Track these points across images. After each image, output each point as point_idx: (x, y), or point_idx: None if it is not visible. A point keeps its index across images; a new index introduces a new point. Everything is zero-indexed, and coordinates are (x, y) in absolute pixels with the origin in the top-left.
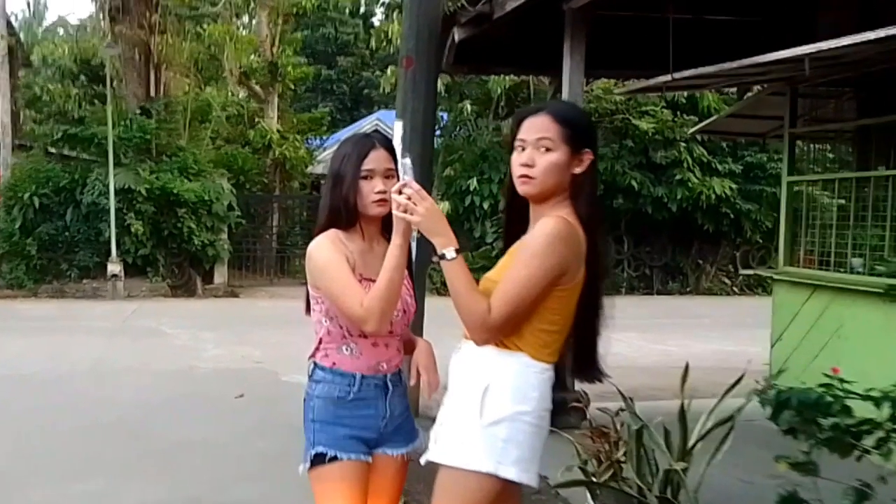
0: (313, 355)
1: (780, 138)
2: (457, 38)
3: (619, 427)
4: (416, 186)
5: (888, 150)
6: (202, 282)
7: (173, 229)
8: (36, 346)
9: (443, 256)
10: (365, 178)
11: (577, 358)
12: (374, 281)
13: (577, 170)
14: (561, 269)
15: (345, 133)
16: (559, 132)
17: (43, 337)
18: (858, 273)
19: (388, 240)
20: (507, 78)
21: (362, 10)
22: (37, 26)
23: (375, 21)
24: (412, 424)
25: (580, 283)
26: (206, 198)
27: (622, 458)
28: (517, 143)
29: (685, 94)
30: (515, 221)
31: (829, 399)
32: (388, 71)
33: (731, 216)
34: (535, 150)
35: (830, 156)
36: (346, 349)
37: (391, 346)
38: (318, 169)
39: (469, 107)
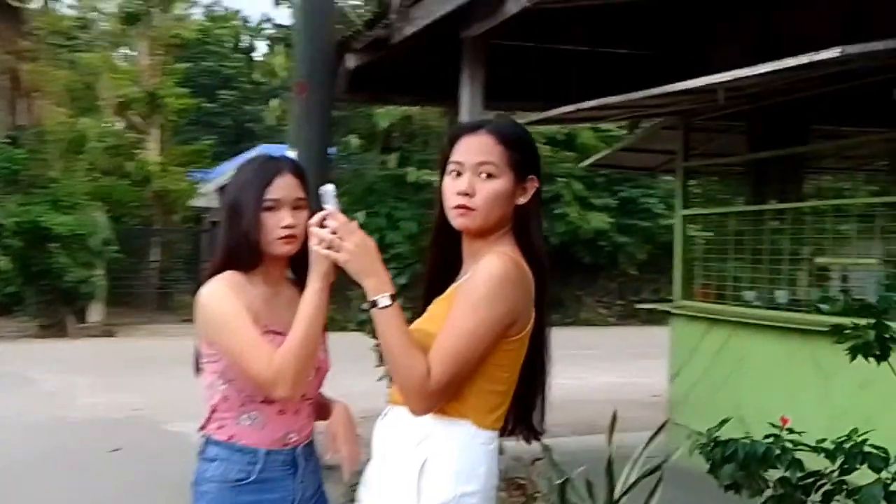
0: (204, 427)
1: (671, 172)
2: (351, 64)
3: (535, 479)
4: (343, 218)
5: (781, 184)
6: (76, 321)
7: (44, 265)
8: None
9: (374, 304)
10: (269, 209)
11: (515, 415)
12: (281, 334)
13: (522, 200)
14: (511, 318)
15: (229, 167)
16: (504, 156)
17: None
18: (756, 307)
19: (296, 284)
20: (393, 111)
21: (244, 44)
22: None
23: (258, 55)
24: None
25: (530, 332)
26: (81, 232)
27: None
28: (452, 166)
29: (564, 130)
30: (442, 260)
31: (777, 451)
32: (274, 103)
33: (608, 249)
34: (475, 177)
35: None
36: (247, 419)
37: (301, 412)
38: (201, 202)
39: (355, 140)
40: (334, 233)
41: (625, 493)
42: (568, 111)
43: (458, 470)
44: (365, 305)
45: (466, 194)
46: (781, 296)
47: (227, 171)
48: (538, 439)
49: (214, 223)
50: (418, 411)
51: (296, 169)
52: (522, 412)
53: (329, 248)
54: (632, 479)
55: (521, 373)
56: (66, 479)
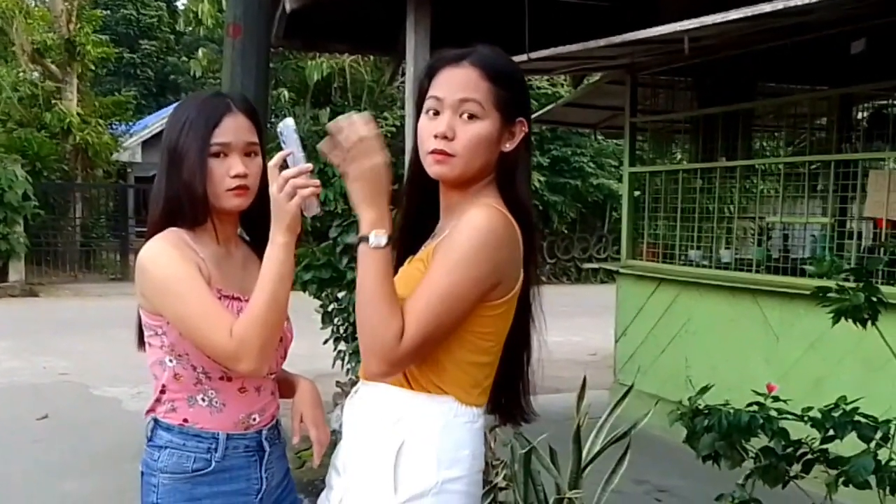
0: (152, 409)
1: (613, 129)
2: (288, 7)
3: (493, 446)
4: (306, 164)
5: (728, 141)
6: None
7: None
8: None
9: (366, 239)
10: (216, 155)
11: (501, 392)
12: (237, 299)
13: (508, 146)
14: (496, 278)
15: (153, 119)
16: (490, 93)
17: None
18: (704, 266)
19: (248, 241)
20: (324, 63)
21: None
22: None
23: (180, 4)
24: (295, 496)
25: (516, 294)
26: None
27: (502, 484)
28: (429, 103)
29: None
30: (415, 214)
31: (761, 420)
32: (200, 53)
33: (540, 208)
34: (456, 117)
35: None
36: (203, 399)
37: (264, 390)
38: (125, 156)
39: (286, 94)
40: (297, 176)
41: (591, 461)
42: (521, 61)
43: (440, 453)
44: (354, 239)
45: (445, 137)
46: (727, 255)
47: (150, 124)
48: (526, 420)
49: (140, 179)
50: (378, 374)
51: (248, 108)
52: (507, 388)
53: (293, 195)
54: (597, 447)
55: (506, 342)
56: None
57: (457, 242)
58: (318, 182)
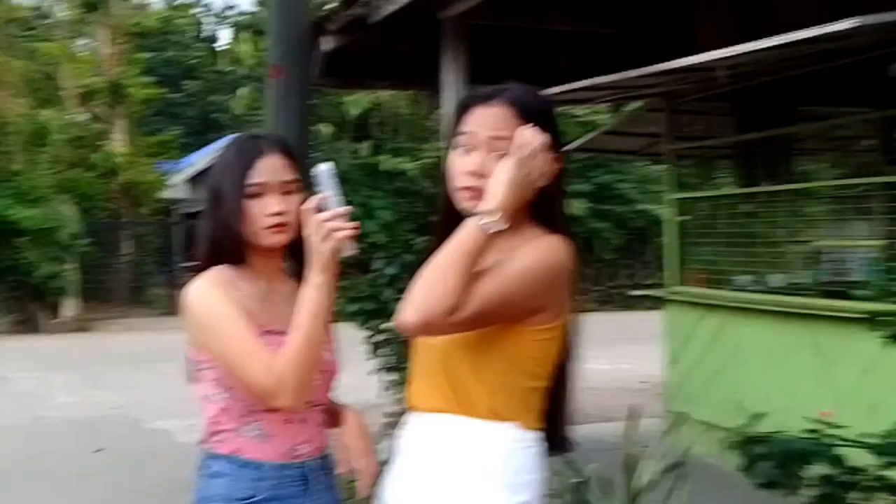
0: (203, 440)
1: (653, 155)
2: (327, 47)
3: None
4: (343, 208)
5: (771, 166)
6: (49, 316)
7: (12, 261)
8: None
9: (481, 215)
10: (253, 195)
11: (544, 421)
12: (281, 334)
13: (542, 182)
14: (543, 301)
15: (197, 157)
16: None
17: None
18: (752, 291)
19: (298, 276)
20: (363, 98)
21: (206, 33)
22: None
23: (221, 44)
24: None
25: (561, 326)
26: (48, 225)
27: None
28: (460, 139)
29: None
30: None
31: (816, 448)
32: (242, 92)
33: (584, 235)
34: (488, 154)
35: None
36: (251, 430)
37: (311, 421)
38: (171, 194)
39: (326, 129)
40: (332, 219)
41: (644, 492)
42: (558, 92)
43: (507, 479)
44: (476, 219)
45: (476, 174)
46: (777, 280)
47: (194, 161)
48: (567, 450)
49: (186, 215)
50: (410, 326)
51: (283, 148)
52: (556, 418)
53: (328, 238)
54: (650, 476)
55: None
56: (49, 483)
57: (526, 256)
58: (354, 224)
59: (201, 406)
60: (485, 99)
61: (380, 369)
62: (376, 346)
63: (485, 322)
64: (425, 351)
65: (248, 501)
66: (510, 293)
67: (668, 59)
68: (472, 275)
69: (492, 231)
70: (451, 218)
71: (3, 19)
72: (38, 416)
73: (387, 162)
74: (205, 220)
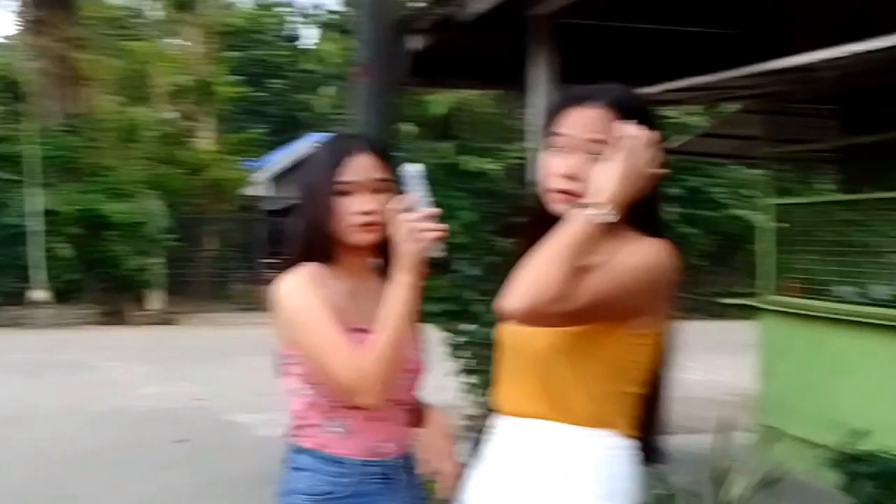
0: (289, 434)
1: (752, 159)
2: (414, 46)
3: None
4: (431, 209)
5: (877, 172)
6: (135, 308)
7: (102, 253)
8: None
9: (591, 206)
10: (343, 194)
11: (640, 430)
12: (367, 332)
13: (649, 181)
14: (646, 303)
15: (281, 155)
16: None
17: None
18: (855, 303)
19: (387, 275)
20: (447, 98)
21: (292, 32)
22: None
23: (306, 43)
24: None
25: (659, 334)
26: (137, 220)
27: None
28: (555, 141)
29: None
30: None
31: None
32: (327, 91)
33: (673, 240)
34: (582, 157)
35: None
36: (336, 426)
37: (396, 419)
38: (254, 191)
39: (409, 128)
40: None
41: None
42: (653, 93)
43: (605, 488)
44: (583, 210)
45: (571, 177)
46: (881, 291)
47: (277, 159)
48: (657, 461)
49: (269, 212)
50: (513, 312)
51: (374, 147)
52: (648, 427)
53: (415, 239)
54: (740, 491)
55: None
56: (133, 475)
57: (633, 255)
58: (442, 226)
59: (288, 400)
60: (581, 100)
61: (459, 371)
62: (456, 347)
63: (587, 318)
64: (516, 355)
65: (329, 496)
66: (616, 290)
67: (764, 60)
68: (578, 269)
69: (600, 222)
70: (543, 220)
71: (97, 19)
72: (122, 405)
73: (469, 162)
74: (296, 218)
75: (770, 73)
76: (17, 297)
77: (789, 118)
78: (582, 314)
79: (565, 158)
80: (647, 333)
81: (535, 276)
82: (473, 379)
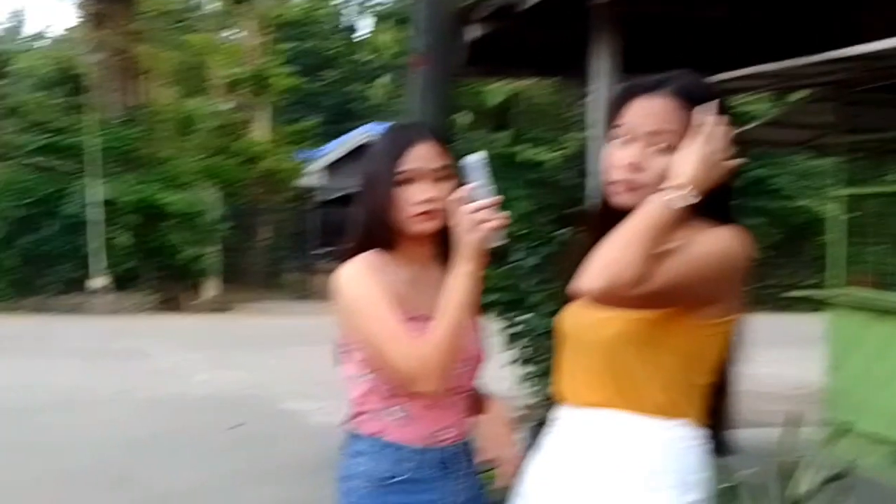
0: (348, 420)
1: (820, 148)
2: (472, 35)
3: None
4: (492, 198)
5: None
6: (191, 297)
7: (159, 242)
8: (8, 369)
9: (671, 190)
10: (403, 182)
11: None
12: (427, 319)
13: (725, 170)
14: (719, 292)
15: (334, 146)
16: (689, 125)
17: (17, 358)
18: None
19: (448, 262)
20: (503, 88)
21: (344, 23)
22: (13, 37)
23: (360, 34)
24: None
25: (730, 324)
26: (193, 210)
27: None
28: (618, 131)
29: None
30: (597, 240)
31: None
32: (382, 81)
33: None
34: (648, 147)
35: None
36: (395, 412)
37: (455, 407)
38: (308, 181)
39: (464, 119)
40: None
41: (801, 503)
42: (719, 81)
43: (681, 477)
44: (661, 194)
45: (634, 168)
46: None
47: (331, 150)
48: (724, 453)
49: (322, 203)
50: (593, 291)
51: (434, 136)
52: (716, 418)
53: (475, 229)
54: (808, 487)
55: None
56: (187, 460)
57: (709, 241)
58: (503, 215)
59: (346, 387)
60: (647, 89)
61: (515, 361)
62: (512, 337)
63: (662, 302)
64: (580, 344)
65: (388, 482)
66: (692, 275)
67: (836, 47)
68: (655, 254)
69: (679, 206)
70: (607, 214)
71: (155, 12)
72: (177, 391)
73: (524, 152)
74: (357, 206)
75: (842, 60)
76: (77, 285)
77: (862, 107)
78: (658, 297)
79: (628, 149)
80: (719, 323)
81: (614, 256)
82: (530, 369)
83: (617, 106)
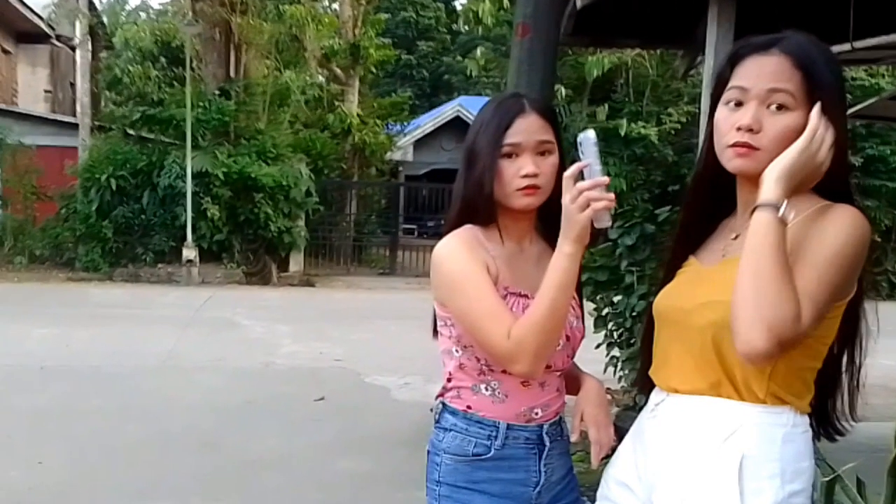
0: (441, 394)
1: None
2: (578, 4)
3: None
4: (603, 178)
5: None
6: (277, 269)
7: (250, 215)
8: (105, 336)
9: (773, 207)
10: (507, 155)
11: (817, 402)
12: (525, 297)
13: (826, 167)
14: (854, 279)
15: (425, 119)
16: (804, 83)
17: (113, 326)
18: None
19: (547, 239)
20: (605, 59)
21: None
22: (119, 9)
23: (458, 4)
24: (576, 495)
25: (844, 307)
26: (284, 183)
27: None
28: (731, 94)
29: None
30: (702, 211)
31: None
32: (478, 52)
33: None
34: (763, 108)
35: None
36: (486, 388)
37: (549, 385)
38: (398, 155)
39: (563, 91)
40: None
41: None
42: (842, 51)
43: (784, 466)
44: (761, 213)
45: (750, 130)
46: None
47: (422, 123)
48: (841, 435)
49: (410, 177)
50: (763, 351)
51: (541, 108)
52: (822, 401)
53: (585, 207)
54: None
55: (829, 350)
56: (275, 428)
57: (831, 235)
58: (612, 196)
59: (441, 361)
60: (760, 48)
61: (607, 343)
62: (605, 318)
63: (822, 317)
64: (680, 330)
65: (479, 458)
66: (836, 279)
67: None
68: (789, 273)
69: (790, 220)
70: (713, 179)
71: None
72: (266, 361)
73: (623, 127)
74: (459, 180)
75: None
76: (169, 256)
77: None
78: (818, 319)
79: (743, 110)
80: (838, 306)
81: (763, 302)
82: (622, 351)
83: (729, 67)
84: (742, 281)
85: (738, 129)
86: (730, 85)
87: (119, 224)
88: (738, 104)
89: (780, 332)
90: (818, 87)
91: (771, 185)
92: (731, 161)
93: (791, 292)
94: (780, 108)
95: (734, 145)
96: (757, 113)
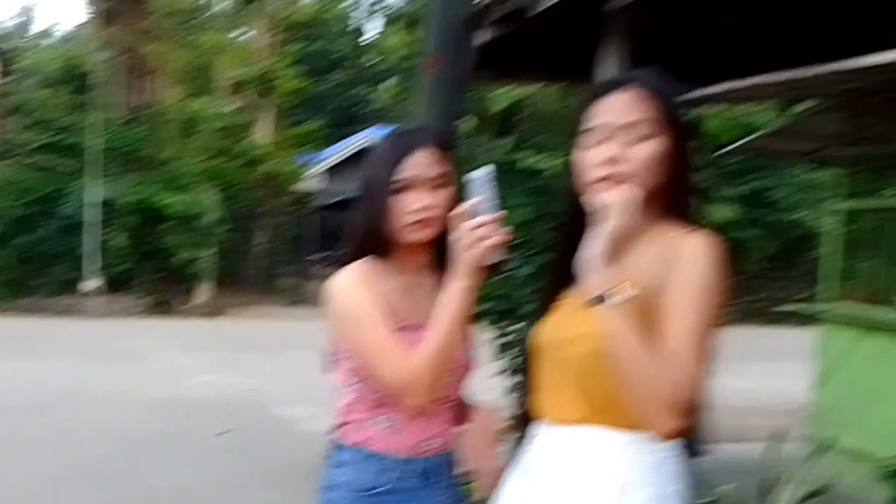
0: (336, 427)
1: (824, 159)
2: (482, 39)
3: None
4: (495, 214)
5: None
6: (185, 300)
7: (157, 244)
8: (3, 370)
9: (613, 296)
10: (400, 190)
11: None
12: (421, 328)
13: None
14: (722, 303)
15: (336, 149)
16: (663, 111)
17: (11, 360)
18: None
19: (444, 270)
20: (508, 94)
21: (352, 26)
22: (23, 35)
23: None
24: None
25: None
26: (193, 212)
27: None
28: (590, 135)
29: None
30: (571, 249)
31: None
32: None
33: (731, 243)
34: (625, 141)
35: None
36: (382, 421)
37: (439, 417)
38: (308, 185)
39: (470, 123)
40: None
41: None
42: (725, 90)
43: (655, 491)
44: (597, 297)
45: (612, 161)
46: None
47: (332, 154)
48: (699, 454)
49: (321, 207)
50: (670, 427)
51: (437, 141)
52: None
53: (474, 246)
54: (787, 502)
55: None
56: (181, 461)
57: (696, 275)
58: (504, 231)
59: (336, 395)
60: (615, 86)
61: (504, 371)
62: (503, 347)
63: (708, 352)
64: (556, 361)
65: (370, 493)
66: (711, 311)
67: (853, 55)
68: (654, 322)
69: (628, 298)
70: (577, 218)
71: (165, 11)
72: (171, 393)
73: (526, 159)
74: (354, 213)
75: (854, 71)
76: (71, 286)
77: (871, 116)
78: (705, 357)
79: (603, 147)
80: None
81: (654, 387)
82: (518, 379)
83: (585, 109)
84: (625, 366)
85: (601, 163)
86: (588, 126)
87: (20, 253)
88: (600, 142)
89: (674, 405)
90: (676, 115)
91: (592, 276)
92: (596, 195)
93: (661, 368)
94: (645, 137)
95: (600, 179)
96: (617, 146)
